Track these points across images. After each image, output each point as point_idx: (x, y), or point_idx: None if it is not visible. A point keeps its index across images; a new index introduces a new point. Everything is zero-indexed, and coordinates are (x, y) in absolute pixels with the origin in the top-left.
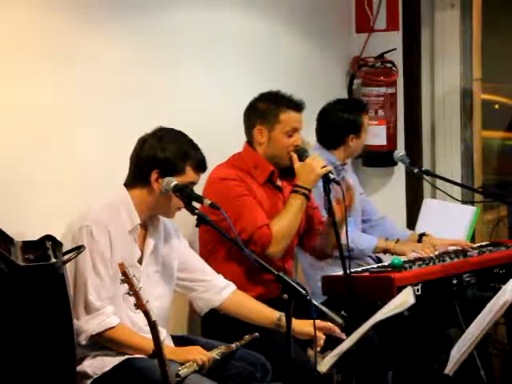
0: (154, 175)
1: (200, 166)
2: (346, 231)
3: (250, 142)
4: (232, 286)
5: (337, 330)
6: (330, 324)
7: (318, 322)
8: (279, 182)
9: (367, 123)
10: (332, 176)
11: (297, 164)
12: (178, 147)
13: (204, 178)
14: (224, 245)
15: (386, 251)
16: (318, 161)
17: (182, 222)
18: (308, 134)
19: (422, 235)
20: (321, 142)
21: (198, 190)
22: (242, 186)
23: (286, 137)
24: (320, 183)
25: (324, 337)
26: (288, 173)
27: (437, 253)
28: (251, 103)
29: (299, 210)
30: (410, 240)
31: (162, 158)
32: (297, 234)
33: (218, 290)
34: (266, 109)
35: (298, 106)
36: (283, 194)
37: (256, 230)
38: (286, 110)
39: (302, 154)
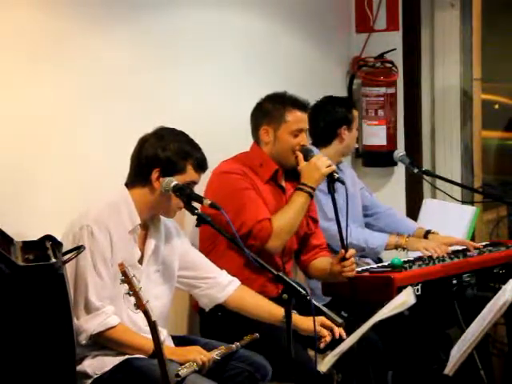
0: (154, 174)
1: (201, 165)
2: (346, 235)
3: (257, 141)
4: (236, 282)
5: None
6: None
7: (324, 320)
8: (283, 183)
9: (357, 119)
10: (336, 175)
11: (302, 163)
12: (179, 146)
13: (208, 172)
14: (224, 239)
15: (397, 247)
16: (323, 160)
17: (181, 219)
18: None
19: (427, 232)
20: (315, 140)
21: (202, 185)
22: (246, 180)
23: (292, 136)
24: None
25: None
26: (293, 175)
27: (450, 250)
28: (258, 104)
29: (302, 207)
30: (416, 235)
31: (162, 157)
32: (296, 235)
33: (222, 286)
34: (272, 108)
35: (303, 106)
36: (286, 195)
37: (256, 223)
38: (291, 109)
39: (307, 153)
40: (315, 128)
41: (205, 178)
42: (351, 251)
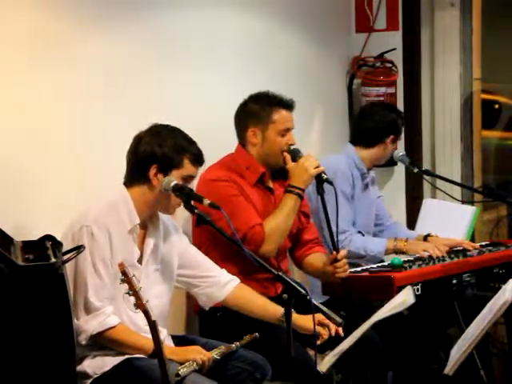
0: (152, 170)
1: (197, 158)
2: (337, 236)
3: (243, 143)
4: (236, 281)
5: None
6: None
7: (321, 318)
8: (270, 184)
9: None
10: (325, 176)
11: (290, 164)
12: (174, 142)
13: (195, 179)
14: (217, 247)
15: (396, 251)
16: (312, 161)
17: (177, 222)
18: (308, 134)
19: (426, 236)
20: (357, 138)
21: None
22: (233, 186)
23: (280, 136)
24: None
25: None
26: (280, 174)
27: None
28: (242, 105)
29: (292, 209)
30: (416, 239)
31: (159, 153)
32: (289, 234)
33: (222, 284)
34: (258, 109)
35: (289, 105)
36: (274, 195)
37: (249, 229)
38: (278, 109)
39: (296, 154)
40: (362, 126)
41: (194, 182)
42: (343, 252)
